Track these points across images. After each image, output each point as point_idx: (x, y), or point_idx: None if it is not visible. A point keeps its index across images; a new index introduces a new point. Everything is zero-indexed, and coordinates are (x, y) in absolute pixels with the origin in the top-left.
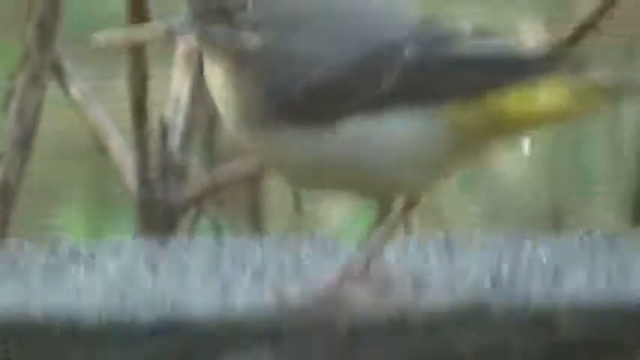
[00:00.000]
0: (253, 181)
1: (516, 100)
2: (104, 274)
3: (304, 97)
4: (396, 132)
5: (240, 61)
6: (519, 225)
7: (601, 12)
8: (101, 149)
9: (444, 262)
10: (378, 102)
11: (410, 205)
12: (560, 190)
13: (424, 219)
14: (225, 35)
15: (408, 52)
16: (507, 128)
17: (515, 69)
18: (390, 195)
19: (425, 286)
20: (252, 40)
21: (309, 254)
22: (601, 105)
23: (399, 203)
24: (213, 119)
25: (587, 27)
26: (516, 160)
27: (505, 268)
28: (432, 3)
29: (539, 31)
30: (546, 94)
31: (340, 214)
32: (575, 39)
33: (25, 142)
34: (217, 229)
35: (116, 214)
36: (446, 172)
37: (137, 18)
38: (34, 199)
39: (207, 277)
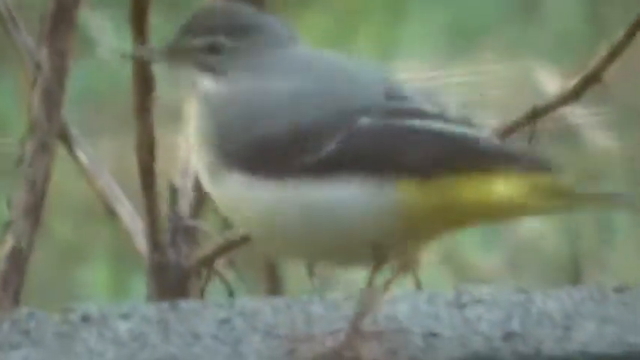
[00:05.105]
0: None
1: (470, 186)
2: (115, 338)
3: (251, 148)
4: (342, 198)
5: (202, 104)
6: (539, 276)
7: (605, 64)
8: (111, 213)
9: (455, 316)
10: (321, 166)
11: (378, 265)
12: (581, 242)
13: (444, 271)
14: (187, 72)
15: (362, 120)
16: (459, 214)
17: (470, 153)
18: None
19: (436, 339)
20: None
21: (320, 314)
22: (560, 204)
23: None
24: None
25: (591, 79)
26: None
27: (516, 321)
28: (455, 43)
29: (556, 81)
30: (501, 186)
31: (356, 273)
32: (579, 90)
33: (35, 208)
34: (229, 291)
35: (135, 274)
36: (413, 239)
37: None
38: (57, 260)
39: (217, 338)
